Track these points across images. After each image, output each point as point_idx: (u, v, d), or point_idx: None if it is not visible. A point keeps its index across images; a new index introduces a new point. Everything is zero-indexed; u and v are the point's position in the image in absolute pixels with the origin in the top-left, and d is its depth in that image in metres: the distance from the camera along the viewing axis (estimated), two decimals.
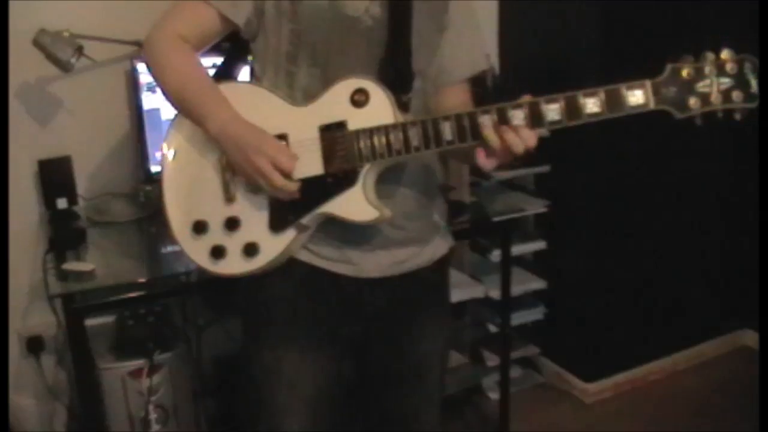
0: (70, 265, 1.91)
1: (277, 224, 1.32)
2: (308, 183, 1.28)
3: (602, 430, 2.68)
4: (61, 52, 2.11)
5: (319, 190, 1.28)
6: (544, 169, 2.70)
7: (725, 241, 3.05)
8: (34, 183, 2.29)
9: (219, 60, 1.51)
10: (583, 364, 2.86)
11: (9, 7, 2.15)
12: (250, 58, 1.44)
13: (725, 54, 1.17)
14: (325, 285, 1.38)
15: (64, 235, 2.10)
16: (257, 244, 1.32)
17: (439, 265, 1.48)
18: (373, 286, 1.39)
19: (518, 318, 2.70)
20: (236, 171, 1.31)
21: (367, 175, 1.27)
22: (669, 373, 3.00)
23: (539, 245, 2.77)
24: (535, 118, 1.20)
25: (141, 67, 2.20)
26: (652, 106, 1.18)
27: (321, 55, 1.31)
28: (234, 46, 1.45)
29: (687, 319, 3.01)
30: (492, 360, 2.73)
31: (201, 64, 1.38)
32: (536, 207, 2.59)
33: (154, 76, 1.40)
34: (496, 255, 2.52)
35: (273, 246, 1.32)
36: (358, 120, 1.26)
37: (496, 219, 2.38)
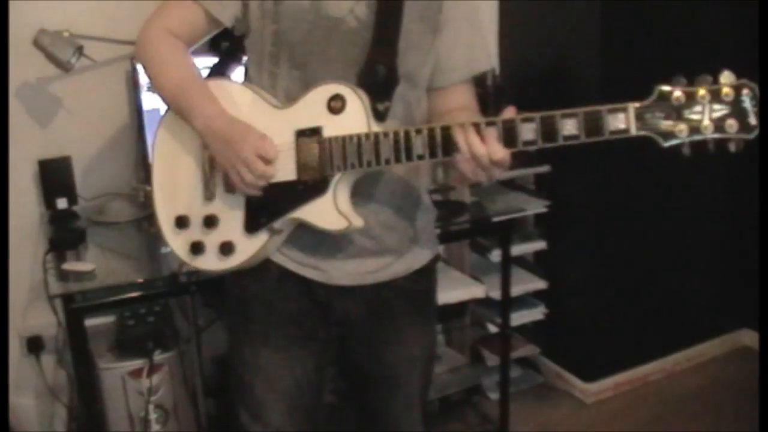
0: (70, 265, 1.91)
1: (251, 225, 1.33)
2: (282, 187, 1.28)
3: (602, 430, 2.68)
4: (61, 52, 2.11)
5: (291, 195, 1.28)
6: (544, 169, 2.70)
7: (725, 241, 3.05)
8: (34, 183, 2.29)
9: (214, 60, 1.52)
10: (583, 364, 2.86)
11: (9, 7, 2.15)
12: (245, 58, 1.44)
13: (723, 78, 1.06)
14: (296, 288, 1.40)
15: (64, 235, 2.10)
16: (233, 243, 1.34)
17: (420, 274, 1.46)
18: (344, 293, 1.40)
19: (518, 318, 2.69)
20: (218, 166, 1.32)
21: (339, 183, 1.25)
22: (669, 373, 3.00)
23: (539, 245, 2.77)
24: (509, 137, 1.15)
25: (141, 67, 2.20)
26: (633, 132, 1.09)
27: (300, 57, 1.30)
28: (230, 46, 1.45)
29: (687, 319, 3.01)
30: (492, 360, 2.73)
31: (191, 60, 1.38)
32: (536, 207, 2.59)
33: (146, 73, 1.41)
34: (496, 255, 2.52)
35: (247, 246, 1.33)
36: (333, 127, 1.24)
37: (496, 219, 2.38)
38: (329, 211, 1.26)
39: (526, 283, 2.74)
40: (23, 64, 2.21)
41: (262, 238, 1.32)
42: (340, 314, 1.43)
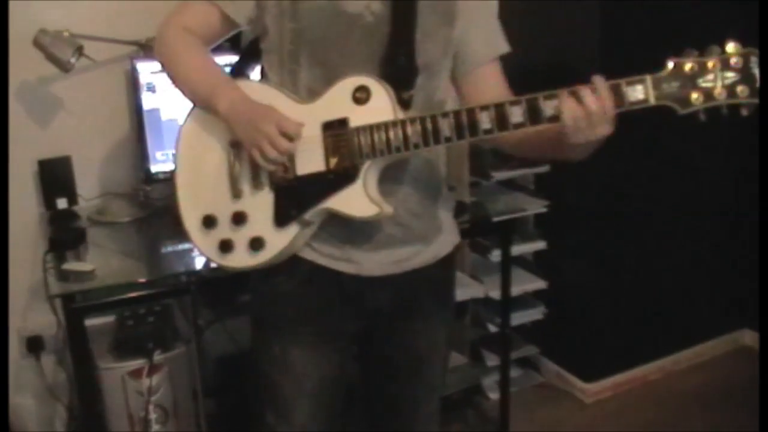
0: (70, 265, 1.91)
1: (281, 219, 1.33)
2: (311, 179, 1.30)
3: (602, 430, 2.68)
4: (61, 52, 2.11)
5: (321, 186, 1.29)
6: (544, 169, 2.70)
7: (725, 241, 3.05)
8: (34, 183, 2.29)
9: (234, 59, 1.54)
10: (583, 364, 2.86)
11: (9, 7, 2.15)
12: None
13: (730, 47, 1.13)
14: (328, 282, 1.40)
15: (64, 235, 2.10)
16: (263, 238, 1.35)
17: (444, 262, 1.49)
18: (375, 283, 1.41)
19: (518, 318, 2.70)
20: (243, 159, 1.34)
21: (368, 171, 1.27)
22: (669, 373, 3.00)
23: (539, 245, 2.77)
24: (534, 114, 1.19)
25: (141, 67, 2.20)
26: (652, 101, 1.15)
27: (321, 54, 1.32)
28: (249, 45, 1.47)
29: (687, 319, 3.01)
30: (492, 360, 2.73)
31: (209, 53, 1.40)
32: (536, 207, 2.59)
33: (165, 69, 1.42)
34: (496, 255, 2.52)
35: (278, 241, 1.34)
36: (359, 117, 1.26)
37: (496, 219, 2.38)
38: (360, 198, 1.28)
39: (526, 283, 2.74)
40: (23, 64, 2.21)
41: (292, 231, 1.33)
42: (372, 305, 1.44)
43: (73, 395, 2.35)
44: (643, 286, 2.87)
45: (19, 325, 2.35)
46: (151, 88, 2.20)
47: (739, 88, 1.13)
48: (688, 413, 2.73)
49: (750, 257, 2.93)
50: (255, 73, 1.50)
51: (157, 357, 2.10)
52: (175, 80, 1.40)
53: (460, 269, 2.71)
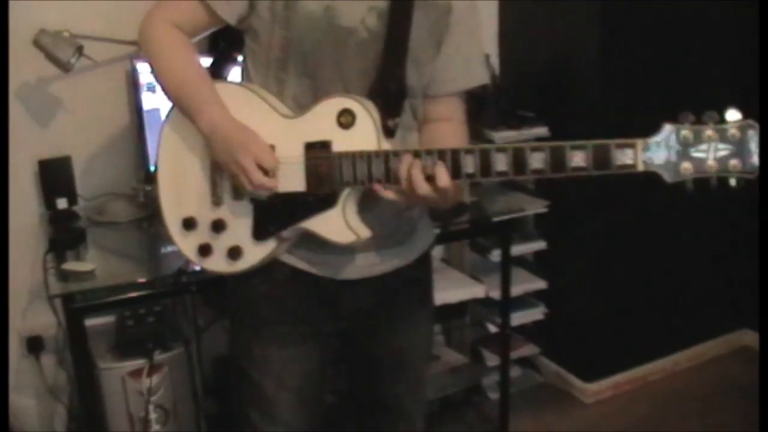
0: (70, 265, 1.91)
1: (259, 233, 1.34)
2: (291, 198, 1.29)
3: (602, 430, 2.68)
4: (61, 52, 2.11)
5: (300, 206, 1.29)
6: None
7: (725, 241, 3.05)
8: (34, 183, 2.29)
9: (210, 59, 1.52)
10: (583, 364, 2.86)
11: (9, 7, 2.15)
12: (240, 58, 1.44)
13: (730, 116, 1.07)
14: (306, 286, 1.41)
15: (64, 235, 2.11)
16: (241, 248, 1.35)
17: (420, 260, 1.49)
18: (352, 285, 1.41)
19: (518, 318, 2.70)
20: (222, 169, 1.33)
21: (348, 197, 1.27)
22: (669, 373, 3.00)
23: (539, 245, 2.77)
24: (519, 165, 1.16)
25: (141, 67, 2.20)
26: (640, 167, 1.12)
27: (311, 66, 1.30)
28: (226, 46, 1.46)
29: (687, 319, 3.01)
30: (492, 360, 2.73)
31: (197, 57, 1.38)
32: (536, 207, 2.59)
33: (150, 66, 1.40)
34: (496, 255, 2.52)
35: (255, 252, 1.35)
36: (342, 142, 1.25)
37: (496, 219, 2.38)
38: (338, 224, 1.27)
39: (526, 283, 2.74)
40: (23, 64, 2.21)
41: (270, 245, 1.34)
42: (350, 307, 1.45)
43: (73, 395, 2.35)
44: (644, 286, 2.87)
45: (19, 325, 2.35)
46: (151, 88, 2.20)
47: (732, 162, 1.08)
48: (688, 413, 2.73)
49: (750, 257, 2.93)
50: (233, 73, 1.48)
51: (157, 357, 2.10)
52: (160, 81, 1.38)
53: (460, 269, 2.71)
